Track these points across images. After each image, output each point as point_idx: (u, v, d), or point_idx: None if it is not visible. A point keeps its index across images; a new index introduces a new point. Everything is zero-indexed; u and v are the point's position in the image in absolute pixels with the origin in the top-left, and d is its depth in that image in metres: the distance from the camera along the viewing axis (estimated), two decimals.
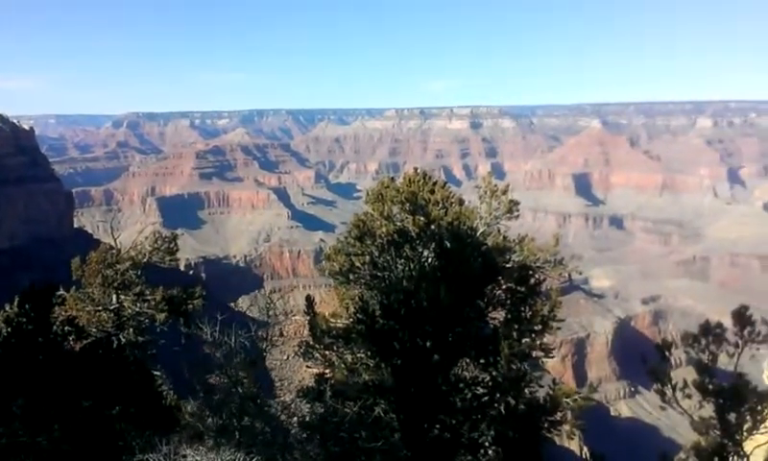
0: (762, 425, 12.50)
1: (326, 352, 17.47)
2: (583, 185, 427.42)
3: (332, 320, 17.70)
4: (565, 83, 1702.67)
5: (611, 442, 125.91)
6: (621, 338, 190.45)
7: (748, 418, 12.44)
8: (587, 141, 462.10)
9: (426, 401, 15.20)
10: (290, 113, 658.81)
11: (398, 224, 16.77)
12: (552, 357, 13.94)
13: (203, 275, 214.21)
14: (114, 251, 20.02)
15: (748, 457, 12.68)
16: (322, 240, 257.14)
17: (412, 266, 16.60)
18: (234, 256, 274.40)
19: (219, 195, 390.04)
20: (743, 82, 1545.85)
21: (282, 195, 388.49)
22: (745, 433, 12.54)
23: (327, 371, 17.40)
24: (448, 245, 15.88)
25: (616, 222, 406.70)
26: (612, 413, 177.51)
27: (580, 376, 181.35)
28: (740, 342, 12.30)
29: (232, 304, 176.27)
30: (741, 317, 12.42)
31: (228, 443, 14.83)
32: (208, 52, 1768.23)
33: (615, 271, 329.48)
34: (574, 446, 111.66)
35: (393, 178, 17.95)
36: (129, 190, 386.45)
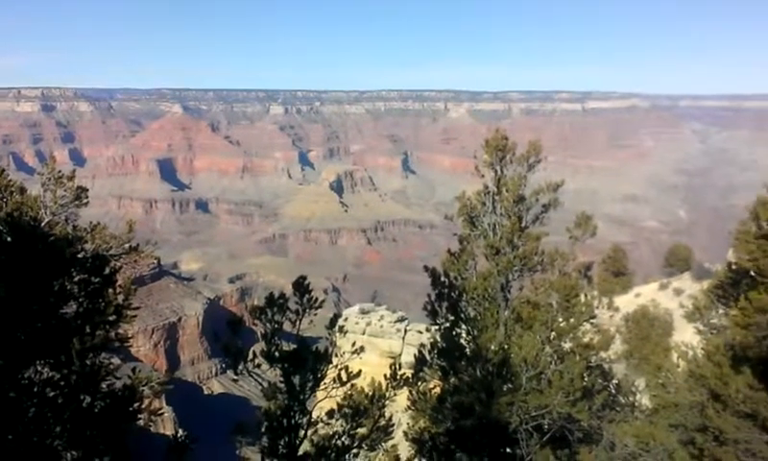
0: (322, 383, 14.29)
1: None
2: (168, 170, 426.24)
3: None
4: (145, 68, 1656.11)
5: (206, 419, 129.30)
6: (211, 318, 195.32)
7: (310, 377, 14.10)
8: (169, 126, 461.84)
9: None
10: None
11: None
12: (129, 346, 13.73)
13: None
14: None
15: (310, 413, 14.39)
16: None
17: None
18: None
19: None
20: (310, 75, 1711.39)
21: None
22: (308, 392, 14.20)
23: None
24: (9, 239, 14.42)
25: (202, 205, 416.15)
26: (206, 392, 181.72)
27: (173, 360, 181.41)
28: (300, 310, 13.83)
29: None
30: (300, 287, 13.95)
31: None
32: None
33: (204, 253, 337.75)
34: (170, 430, 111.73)
35: None
36: None
